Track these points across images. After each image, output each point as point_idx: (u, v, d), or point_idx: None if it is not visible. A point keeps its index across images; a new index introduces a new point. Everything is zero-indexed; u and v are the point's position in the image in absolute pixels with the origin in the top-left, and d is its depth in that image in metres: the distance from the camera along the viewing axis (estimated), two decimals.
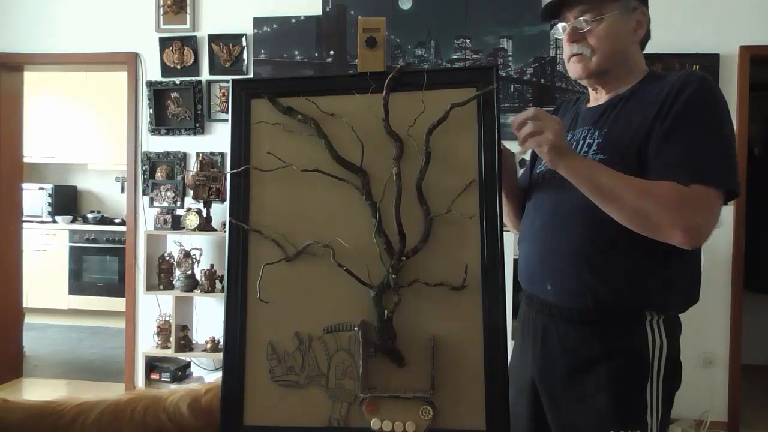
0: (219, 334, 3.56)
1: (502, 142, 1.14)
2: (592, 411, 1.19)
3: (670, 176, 1.10)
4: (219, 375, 1.11)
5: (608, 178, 1.11)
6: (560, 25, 1.29)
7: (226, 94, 3.65)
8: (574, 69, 1.29)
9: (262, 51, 3.63)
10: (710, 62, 3.25)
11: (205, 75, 3.71)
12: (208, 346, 3.53)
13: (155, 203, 3.73)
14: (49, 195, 5.54)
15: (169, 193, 3.69)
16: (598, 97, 1.32)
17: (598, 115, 1.27)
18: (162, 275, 3.58)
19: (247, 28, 3.65)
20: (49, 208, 5.53)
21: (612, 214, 1.13)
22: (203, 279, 3.49)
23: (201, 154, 3.65)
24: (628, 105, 1.22)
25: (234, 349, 1.12)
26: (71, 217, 5.59)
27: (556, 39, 1.30)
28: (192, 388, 1.17)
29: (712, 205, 1.11)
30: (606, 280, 1.18)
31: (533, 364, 1.30)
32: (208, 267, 3.53)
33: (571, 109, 1.41)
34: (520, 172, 1.51)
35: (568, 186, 1.16)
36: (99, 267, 5.33)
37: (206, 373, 3.77)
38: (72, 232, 5.38)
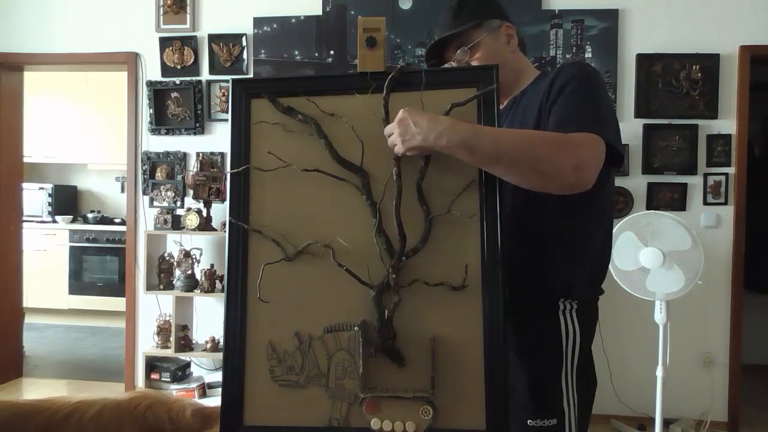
0: (219, 334, 3.56)
1: None
2: (512, 401, 1.17)
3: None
4: (220, 376, 1.12)
5: (488, 140, 1.08)
6: (447, 65, 1.41)
7: (226, 93, 3.65)
8: None
9: (262, 51, 3.63)
10: (710, 62, 3.25)
11: (205, 75, 3.71)
12: (208, 346, 3.54)
13: (155, 203, 3.73)
14: (49, 195, 5.54)
15: (169, 193, 3.69)
16: (501, 103, 1.41)
17: (503, 118, 1.35)
18: (162, 275, 3.58)
19: (247, 28, 3.64)
20: (49, 208, 5.53)
21: (501, 174, 1.11)
22: (203, 279, 3.49)
23: (201, 154, 3.65)
24: (522, 102, 1.33)
25: (234, 349, 1.12)
26: (71, 216, 5.59)
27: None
28: (202, 403, 1.18)
29: (594, 144, 1.10)
30: (517, 269, 1.17)
31: None
32: (208, 267, 3.53)
33: None
34: None
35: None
36: (99, 267, 5.33)
37: (206, 373, 3.77)
38: (72, 232, 5.37)
